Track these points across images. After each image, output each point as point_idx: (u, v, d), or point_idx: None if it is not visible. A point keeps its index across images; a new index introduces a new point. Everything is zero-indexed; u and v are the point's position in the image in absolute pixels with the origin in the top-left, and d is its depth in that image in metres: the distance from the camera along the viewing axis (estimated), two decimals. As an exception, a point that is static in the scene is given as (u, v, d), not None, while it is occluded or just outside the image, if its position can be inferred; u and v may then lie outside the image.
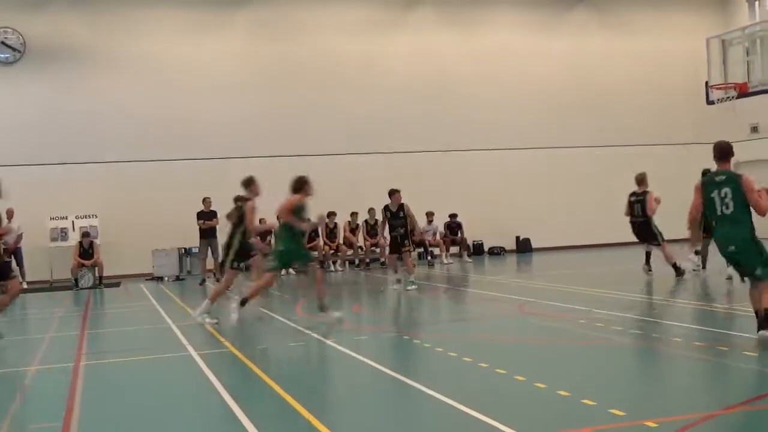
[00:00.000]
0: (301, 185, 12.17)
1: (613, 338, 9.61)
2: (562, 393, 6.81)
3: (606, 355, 8.85)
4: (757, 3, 18.84)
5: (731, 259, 8.95)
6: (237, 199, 13.26)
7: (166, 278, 22.27)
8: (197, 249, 23.05)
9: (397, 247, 16.21)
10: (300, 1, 25.20)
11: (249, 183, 13.01)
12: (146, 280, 22.37)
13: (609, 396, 6.72)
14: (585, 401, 6.45)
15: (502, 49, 26.66)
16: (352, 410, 6.93)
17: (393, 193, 16.30)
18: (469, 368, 8.31)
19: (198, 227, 21.18)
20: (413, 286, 15.93)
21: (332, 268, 23.22)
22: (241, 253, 12.71)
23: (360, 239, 23.75)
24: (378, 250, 23.52)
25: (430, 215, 23.89)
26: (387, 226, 16.58)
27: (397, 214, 16.09)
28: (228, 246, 12.89)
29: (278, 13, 25.09)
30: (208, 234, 21.03)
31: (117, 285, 21.22)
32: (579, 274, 17.98)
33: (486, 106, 26.25)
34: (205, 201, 21.16)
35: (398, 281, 16.21)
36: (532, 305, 12.88)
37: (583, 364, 8.45)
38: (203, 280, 20.44)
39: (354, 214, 23.51)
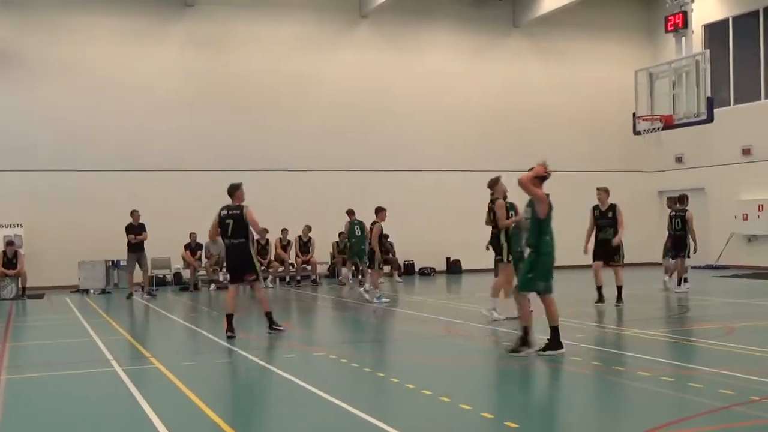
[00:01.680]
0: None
1: (537, 361, 9.78)
2: (487, 415, 6.92)
3: (529, 378, 9.00)
4: (683, 39, 19.44)
5: None
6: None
7: (91, 291, 21.85)
8: (125, 262, 22.71)
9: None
10: (237, 16, 25.14)
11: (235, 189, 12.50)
12: (71, 292, 21.92)
13: (531, 420, 6.85)
14: (508, 424, 6.57)
15: (439, 71, 27.00)
16: (276, 428, 6.92)
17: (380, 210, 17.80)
18: (395, 388, 8.38)
19: (128, 241, 20.61)
20: (379, 301, 17.03)
21: (263, 284, 23.05)
22: None
23: (291, 256, 23.70)
24: (309, 267, 23.53)
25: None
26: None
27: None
28: None
29: (214, 27, 24.98)
30: (136, 248, 20.50)
31: (41, 297, 20.74)
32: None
33: (421, 127, 26.54)
34: (134, 214, 20.58)
35: (366, 291, 17.72)
36: (458, 326, 13.01)
37: (507, 387, 8.59)
38: (131, 294, 20.06)
39: (285, 231, 23.45)
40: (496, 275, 14.16)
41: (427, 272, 26.21)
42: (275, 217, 23.03)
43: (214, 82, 24.70)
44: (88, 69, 23.71)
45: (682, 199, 18.33)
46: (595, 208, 15.59)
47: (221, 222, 12.30)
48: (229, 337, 11.85)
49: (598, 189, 15.65)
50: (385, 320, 15.37)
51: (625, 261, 15.77)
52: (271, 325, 12.36)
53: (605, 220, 15.41)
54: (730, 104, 26.16)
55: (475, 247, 27.88)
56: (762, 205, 25.14)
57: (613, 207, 15.37)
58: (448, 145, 26.87)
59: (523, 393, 8.31)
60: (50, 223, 22.76)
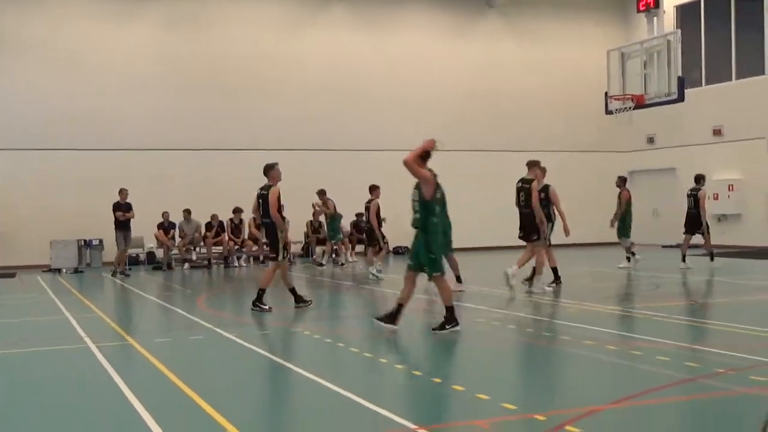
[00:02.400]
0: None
1: (509, 336, 9.90)
2: (458, 388, 7.02)
3: (500, 353, 9.12)
4: (655, 19, 19.57)
5: None
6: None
7: (64, 270, 21.74)
8: (97, 241, 22.67)
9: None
10: (212, -5, 24.98)
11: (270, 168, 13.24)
12: (43, 271, 21.80)
13: (502, 391, 6.97)
14: (479, 396, 6.67)
15: (415, 50, 26.99)
16: (252, 402, 6.98)
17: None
18: (369, 363, 8.47)
19: (116, 219, 20.53)
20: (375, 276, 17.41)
21: (236, 263, 23.12)
22: None
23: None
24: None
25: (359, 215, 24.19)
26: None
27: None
28: None
29: (191, 7, 24.79)
30: (124, 226, 20.55)
31: (12, 276, 20.61)
32: (484, 275, 18.33)
33: (397, 108, 26.54)
34: (122, 192, 20.61)
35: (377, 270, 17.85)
36: (434, 304, 13.11)
37: (478, 361, 8.70)
38: (115, 272, 20.11)
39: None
40: (531, 255, 14.12)
41: (401, 251, 26.29)
42: (248, 197, 22.93)
43: (191, 62, 24.53)
44: (63, 48, 23.45)
45: (698, 178, 18.88)
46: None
47: (257, 200, 13.06)
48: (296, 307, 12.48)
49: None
50: (360, 298, 15.45)
51: (597, 240, 15.93)
52: (256, 301, 12.35)
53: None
54: (701, 85, 26.39)
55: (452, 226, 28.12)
56: (732, 185, 25.44)
57: (546, 188, 14.52)
58: (424, 126, 26.75)
59: (495, 367, 8.42)
60: (22, 202, 22.59)
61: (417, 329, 10.95)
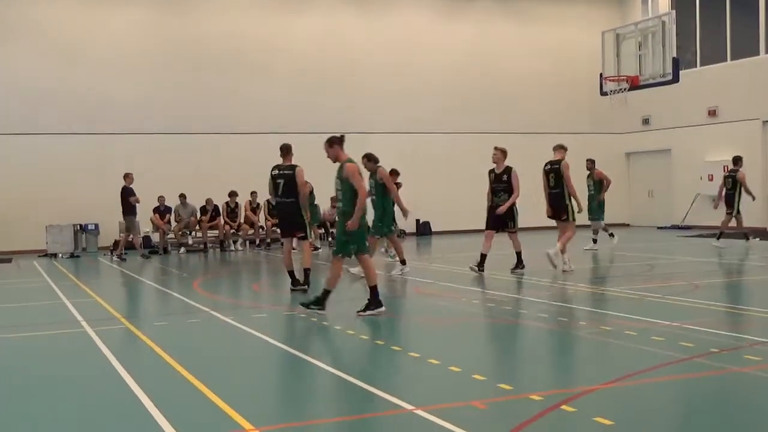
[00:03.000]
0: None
1: (505, 318, 9.95)
2: (454, 369, 7.06)
3: (496, 334, 9.17)
4: (650, 0, 19.55)
5: None
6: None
7: (60, 255, 21.74)
8: (93, 226, 22.68)
9: None
10: (203, -23, 24.86)
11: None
12: (39, 256, 21.79)
13: (498, 372, 7.01)
14: (475, 376, 6.71)
15: (407, 33, 26.88)
16: (249, 383, 7.01)
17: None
18: (365, 345, 8.51)
19: (129, 204, 20.54)
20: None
21: (233, 247, 23.13)
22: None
23: (261, 219, 23.71)
24: (279, 230, 23.54)
25: (333, 200, 24.10)
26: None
27: None
28: None
29: (181, -11, 24.69)
30: (134, 210, 20.68)
31: (8, 261, 20.61)
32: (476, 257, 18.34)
33: (388, 90, 26.45)
34: (129, 177, 20.61)
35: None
36: (429, 286, 13.16)
37: (474, 342, 8.75)
38: (145, 254, 20.84)
39: (254, 194, 23.39)
40: (562, 233, 14.42)
41: (398, 234, 26.29)
42: (244, 181, 23.05)
43: (181, 45, 24.40)
44: (51, 31, 23.31)
45: (736, 160, 19.40)
46: (491, 171, 14.65)
47: (273, 180, 12.86)
48: (293, 290, 12.44)
49: (495, 149, 14.61)
50: (354, 281, 15.49)
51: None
52: (303, 281, 12.57)
53: (500, 183, 14.36)
54: (696, 66, 26.38)
55: (444, 209, 28.23)
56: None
57: (508, 170, 14.27)
58: (416, 108, 26.85)
59: (488, 347, 8.47)
60: (17, 187, 22.53)
61: (412, 312, 11.00)
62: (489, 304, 10.87)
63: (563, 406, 5.72)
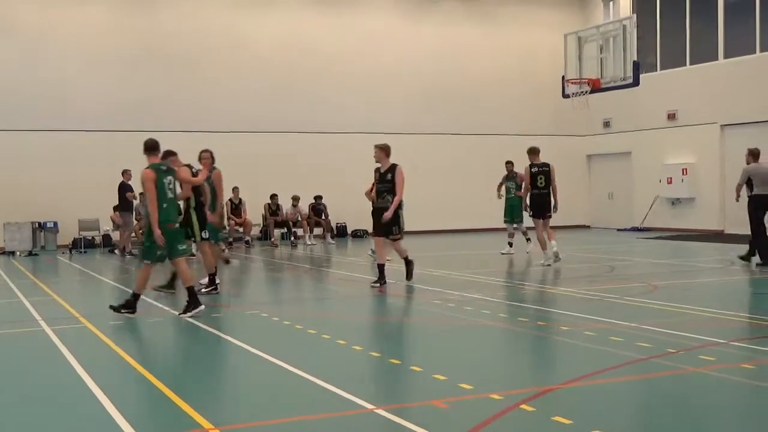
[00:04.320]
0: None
1: (466, 318, 10.00)
2: (415, 368, 7.09)
3: (457, 334, 9.22)
4: (611, 3, 19.78)
5: None
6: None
7: (18, 253, 21.43)
8: (52, 224, 22.41)
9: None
10: (168, -27, 24.66)
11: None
12: (-4, 254, 21.48)
13: (458, 371, 7.05)
14: (436, 376, 6.75)
15: (372, 32, 26.91)
16: (208, 383, 6.98)
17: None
18: (326, 344, 8.51)
19: (125, 200, 20.72)
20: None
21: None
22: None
23: (224, 218, 23.53)
24: (241, 229, 23.45)
25: (295, 199, 24.11)
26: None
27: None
28: None
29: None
30: (131, 206, 20.91)
31: (-36, 258, 20.28)
32: (437, 258, 18.44)
33: (354, 90, 26.47)
34: (127, 173, 20.52)
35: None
36: (394, 287, 13.17)
37: (436, 342, 8.79)
38: (124, 252, 20.76)
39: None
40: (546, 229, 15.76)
41: (360, 234, 26.35)
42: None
43: (147, 40, 24.18)
44: (16, 25, 22.98)
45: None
46: (377, 170, 13.18)
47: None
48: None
49: (375, 146, 13.21)
50: (316, 280, 15.47)
51: (552, 223, 16.11)
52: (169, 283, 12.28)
53: (384, 184, 12.93)
54: (656, 70, 26.74)
55: (411, 210, 28.17)
56: (686, 169, 25.85)
57: (393, 168, 12.92)
58: (382, 108, 26.89)
59: (452, 349, 8.51)
60: (-26, 183, 22.20)
61: (374, 312, 11.02)
62: (449, 304, 10.92)
63: (522, 406, 5.78)
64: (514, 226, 18.98)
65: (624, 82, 19.02)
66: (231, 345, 8.53)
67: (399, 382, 6.81)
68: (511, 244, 18.79)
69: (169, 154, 11.66)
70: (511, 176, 19.31)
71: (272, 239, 24.00)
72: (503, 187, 19.43)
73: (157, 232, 10.04)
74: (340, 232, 26.29)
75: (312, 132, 25.89)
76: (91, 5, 23.91)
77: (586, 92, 19.56)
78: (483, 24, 28.48)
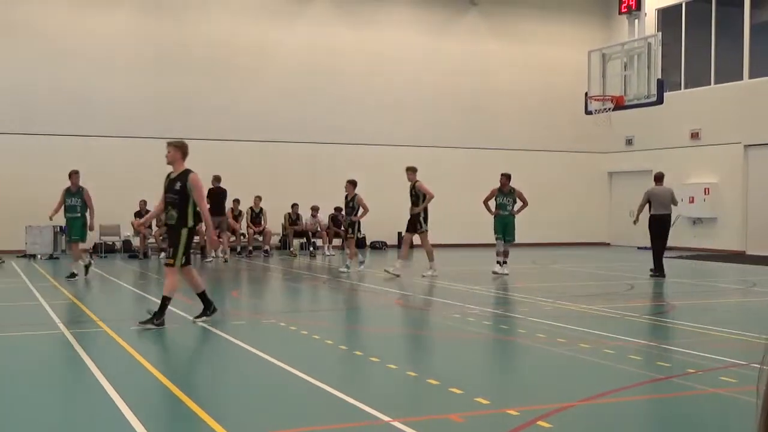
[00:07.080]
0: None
1: (484, 333, 9.96)
2: (432, 381, 7.06)
3: (475, 348, 9.18)
4: (636, 21, 19.68)
5: None
6: None
7: (39, 256, 21.58)
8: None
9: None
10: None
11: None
12: (18, 257, 21.62)
13: (475, 385, 7.01)
14: (453, 390, 6.71)
15: (395, 46, 26.98)
16: (223, 388, 6.98)
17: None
18: (343, 355, 8.49)
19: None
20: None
21: (215, 254, 23.00)
22: None
23: (243, 226, 23.64)
24: (261, 238, 23.50)
25: (314, 210, 24.15)
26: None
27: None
28: None
29: (172, -6, 24.67)
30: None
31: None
32: (456, 272, 18.40)
33: (376, 103, 26.53)
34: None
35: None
36: (408, 299, 13.16)
37: (453, 356, 8.75)
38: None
39: (236, 201, 23.33)
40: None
41: (378, 246, 26.33)
42: (227, 188, 22.93)
43: (169, 48, 24.39)
44: (36, 30, 23.21)
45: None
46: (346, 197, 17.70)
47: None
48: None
49: (347, 182, 17.84)
50: (336, 291, 15.47)
51: (572, 240, 16.02)
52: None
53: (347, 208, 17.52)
54: (680, 88, 26.61)
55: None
56: (708, 189, 25.67)
57: (353, 197, 17.39)
58: (403, 121, 26.93)
59: (470, 363, 8.47)
60: (-2, 186, 22.40)
61: (392, 324, 11.00)
62: (469, 318, 10.87)
63: (539, 422, 5.73)
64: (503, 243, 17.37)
65: (648, 100, 18.91)
66: (248, 353, 8.53)
67: (415, 395, 6.78)
68: (505, 263, 17.21)
69: None
70: (507, 192, 17.53)
71: (291, 249, 24.03)
72: (493, 202, 17.49)
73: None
74: (359, 244, 26.10)
75: (333, 143, 25.95)
76: (114, 9, 24.09)
77: (610, 109, 19.46)
78: (506, 40, 28.47)
